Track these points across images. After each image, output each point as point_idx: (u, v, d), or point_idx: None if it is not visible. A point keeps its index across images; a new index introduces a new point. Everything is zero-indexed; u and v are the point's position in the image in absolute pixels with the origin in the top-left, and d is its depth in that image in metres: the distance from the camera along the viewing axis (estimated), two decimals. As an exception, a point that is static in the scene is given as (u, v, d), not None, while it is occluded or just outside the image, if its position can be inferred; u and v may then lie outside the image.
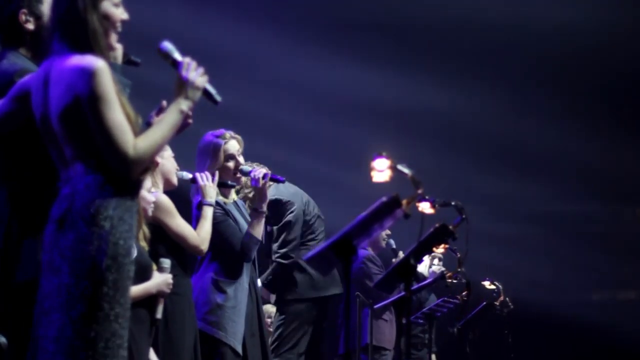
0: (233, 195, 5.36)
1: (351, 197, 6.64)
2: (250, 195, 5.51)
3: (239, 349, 5.08)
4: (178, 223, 4.65)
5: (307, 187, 6.47)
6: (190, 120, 3.16)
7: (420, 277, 7.13)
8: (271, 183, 5.30)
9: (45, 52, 3.14)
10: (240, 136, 5.35)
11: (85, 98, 2.93)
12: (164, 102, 3.35)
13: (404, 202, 3.42)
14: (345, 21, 8.72)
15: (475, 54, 8.77)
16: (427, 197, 3.88)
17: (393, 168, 3.69)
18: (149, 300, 4.28)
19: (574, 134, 9.08)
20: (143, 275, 4.26)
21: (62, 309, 2.89)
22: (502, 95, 8.97)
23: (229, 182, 5.20)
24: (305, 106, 8.08)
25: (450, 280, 6.07)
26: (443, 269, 7.31)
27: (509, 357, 7.63)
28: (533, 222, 9.11)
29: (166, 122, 3.07)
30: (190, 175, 5.04)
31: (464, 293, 6.31)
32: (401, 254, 6.96)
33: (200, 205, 4.95)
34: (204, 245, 4.76)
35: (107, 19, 3.09)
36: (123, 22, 3.16)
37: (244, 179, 5.46)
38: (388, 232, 7.19)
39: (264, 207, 5.20)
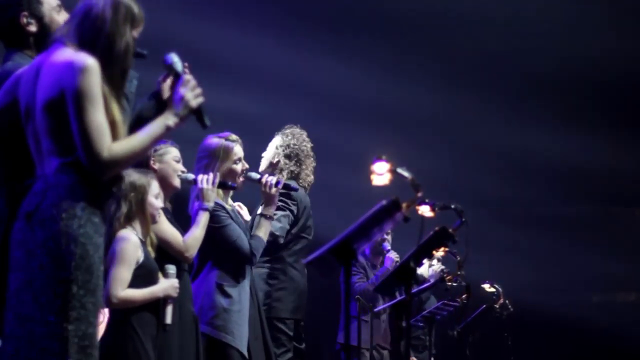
0: (230, 201, 5.33)
1: (350, 201, 6.63)
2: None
3: (246, 353, 5.08)
4: (162, 229, 4.53)
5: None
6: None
7: (420, 279, 7.14)
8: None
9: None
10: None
11: (70, 92, 2.94)
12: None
13: (404, 205, 3.43)
14: (346, 22, 8.73)
15: (475, 55, 8.78)
16: (426, 201, 3.88)
17: (393, 171, 3.69)
18: (154, 304, 4.27)
19: (573, 135, 9.09)
20: (149, 279, 4.27)
21: (31, 307, 2.88)
22: (503, 96, 8.99)
23: (229, 183, 5.11)
24: (305, 107, 8.09)
25: (450, 283, 6.08)
26: (443, 267, 7.31)
27: (508, 359, 7.63)
28: (532, 225, 9.12)
29: (148, 132, 3.05)
30: (193, 177, 4.96)
31: (463, 296, 6.33)
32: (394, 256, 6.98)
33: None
34: (190, 252, 4.65)
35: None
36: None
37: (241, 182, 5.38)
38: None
39: (272, 212, 5.25)
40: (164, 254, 4.55)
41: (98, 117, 2.93)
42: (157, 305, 4.29)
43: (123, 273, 4.17)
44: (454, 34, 8.71)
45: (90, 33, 3.04)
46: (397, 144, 6.54)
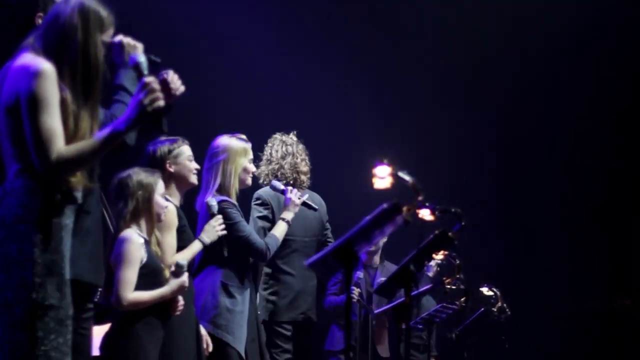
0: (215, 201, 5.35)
1: (351, 203, 6.65)
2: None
3: (243, 354, 5.11)
4: (166, 241, 4.55)
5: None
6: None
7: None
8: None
9: None
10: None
11: (23, 97, 2.94)
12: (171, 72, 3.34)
13: (405, 208, 3.45)
14: (345, 23, 8.74)
15: (475, 58, 8.79)
16: (427, 204, 3.89)
17: (394, 175, 3.71)
18: (160, 307, 4.27)
19: (573, 137, 9.11)
20: (155, 279, 4.28)
21: None
22: (502, 97, 9.00)
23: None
24: (305, 108, 8.10)
25: (448, 287, 6.10)
26: (439, 260, 7.30)
27: (506, 362, 7.65)
28: (531, 229, 9.12)
29: (100, 137, 3.00)
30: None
31: (462, 299, 6.34)
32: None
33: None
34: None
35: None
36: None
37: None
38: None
39: (291, 217, 5.54)
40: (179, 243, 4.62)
41: (49, 122, 2.92)
42: (163, 307, 4.29)
43: (130, 275, 4.17)
44: (455, 34, 8.73)
45: (58, 41, 3.02)
46: (398, 145, 6.57)
